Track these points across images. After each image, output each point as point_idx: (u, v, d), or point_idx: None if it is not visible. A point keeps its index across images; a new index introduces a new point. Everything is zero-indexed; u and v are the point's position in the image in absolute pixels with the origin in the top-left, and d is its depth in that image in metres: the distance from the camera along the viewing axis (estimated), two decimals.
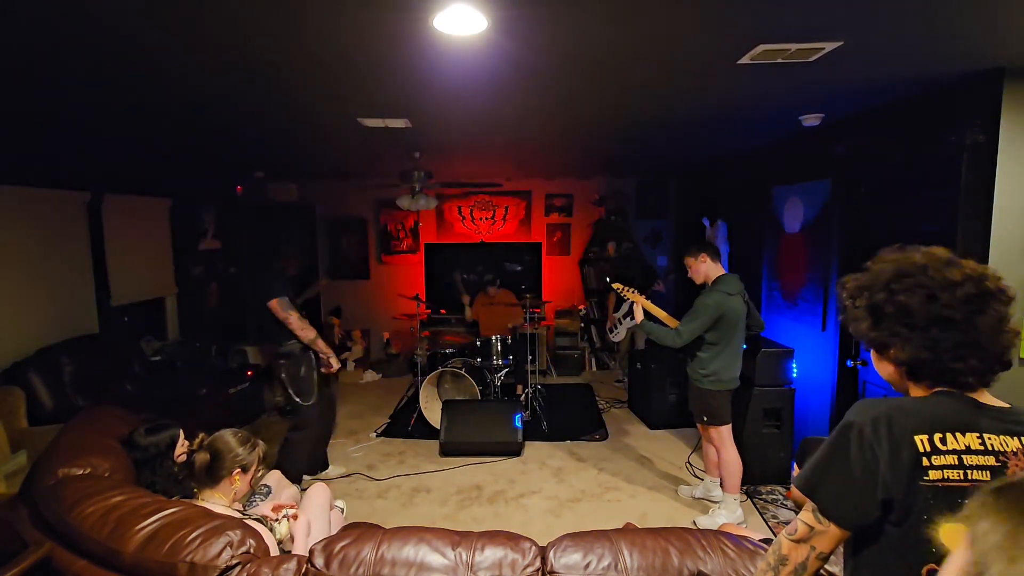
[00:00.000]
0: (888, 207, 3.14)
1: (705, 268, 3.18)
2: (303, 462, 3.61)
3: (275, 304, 3.29)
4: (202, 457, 1.95)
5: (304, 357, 3.47)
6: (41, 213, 3.98)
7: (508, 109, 3.00)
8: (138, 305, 5.06)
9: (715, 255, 3.18)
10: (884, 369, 1.09)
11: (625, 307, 5.64)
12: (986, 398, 1.00)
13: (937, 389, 1.02)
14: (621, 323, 5.70)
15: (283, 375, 3.44)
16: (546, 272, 6.91)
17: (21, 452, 3.12)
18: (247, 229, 6.62)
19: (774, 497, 3.52)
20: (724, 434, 3.23)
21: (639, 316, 3.26)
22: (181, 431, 2.37)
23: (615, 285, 3.37)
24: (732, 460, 3.22)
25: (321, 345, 3.47)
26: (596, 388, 6.01)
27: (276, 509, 2.14)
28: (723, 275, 3.16)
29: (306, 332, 3.38)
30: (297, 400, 3.44)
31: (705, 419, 3.25)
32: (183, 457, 2.29)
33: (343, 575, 1.49)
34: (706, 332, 3.10)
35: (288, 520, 2.10)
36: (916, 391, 1.05)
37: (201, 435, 2.03)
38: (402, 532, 1.61)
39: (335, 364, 3.57)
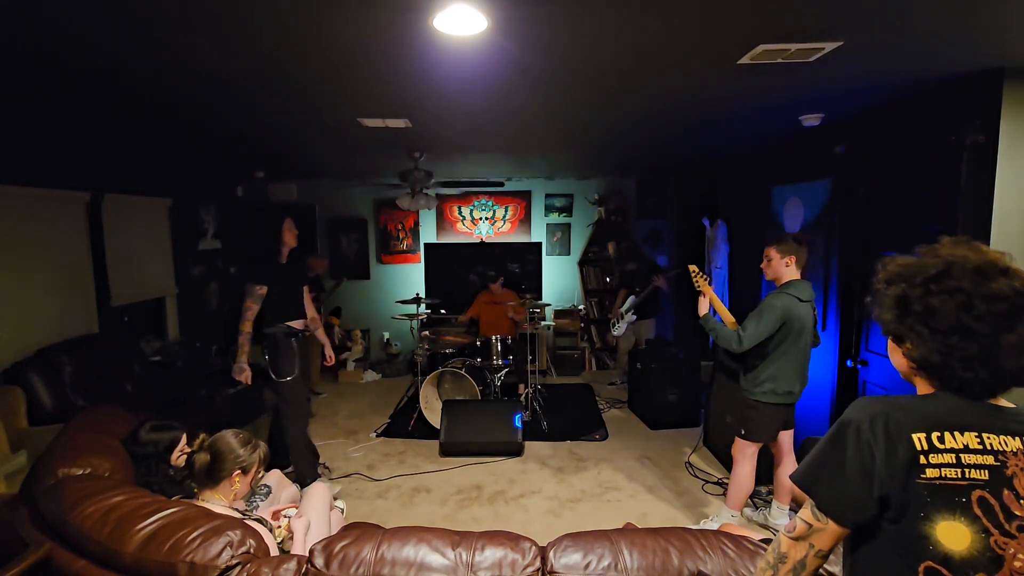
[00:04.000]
0: (888, 207, 3.14)
1: (784, 271, 2.93)
2: (304, 441, 3.57)
3: (247, 288, 3.31)
4: (202, 458, 1.95)
5: (285, 342, 3.45)
6: (41, 213, 3.98)
7: (508, 109, 3.00)
8: (138, 305, 5.06)
9: (801, 261, 2.93)
10: (896, 359, 1.08)
11: (629, 303, 5.64)
12: (992, 399, 0.99)
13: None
14: (623, 318, 5.70)
15: (265, 355, 3.44)
16: (546, 272, 6.91)
17: (21, 452, 3.12)
18: (247, 229, 6.62)
19: (773, 498, 3.51)
20: (749, 452, 3.02)
21: (703, 309, 3.03)
22: (185, 436, 2.37)
23: (692, 268, 3.14)
24: (745, 477, 3.04)
25: (242, 341, 3.38)
26: (596, 388, 6.01)
27: (276, 516, 2.14)
28: (796, 280, 2.92)
29: (243, 323, 3.34)
30: (273, 376, 3.41)
31: (742, 432, 3.02)
32: (181, 460, 2.29)
33: (343, 575, 1.49)
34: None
35: (289, 519, 2.10)
36: (922, 386, 1.05)
37: (202, 436, 2.04)
38: (402, 532, 1.61)
39: (236, 372, 3.45)
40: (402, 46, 1.98)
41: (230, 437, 2.02)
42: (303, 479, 3.41)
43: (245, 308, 3.33)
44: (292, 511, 2.16)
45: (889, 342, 1.09)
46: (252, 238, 6.62)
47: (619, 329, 5.77)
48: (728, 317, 3.04)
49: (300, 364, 3.49)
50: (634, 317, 5.64)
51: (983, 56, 2.22)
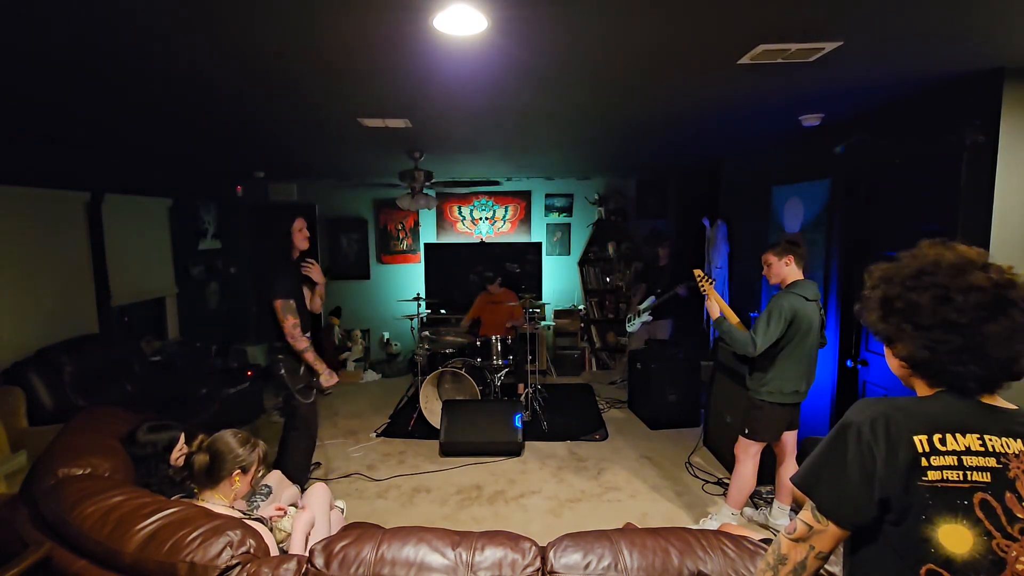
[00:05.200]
0: (888, 207, 3.14)
1: (786, 272, 2.92)
2: (305, 460, 3.58)
3: (278, 305, 3.18)
4: (201, 459, 1.95)
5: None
6: (41, 213, 3.98)
7: (508, 109, 3.00)
8: (138, 305, 5.06)
9: (800, 260, 2.93)
10: (892, 363, 1.09)
11: (648, 303, 5.61)
12: (992, 400, 0.99)
13: (940, 389, 1.01)
14: (640, 315, 5.66)
15: (283, 371, 3.33)
16: (546, 272, 6.91)
17: (21, 452, 3.12)
18: (247, 229, 6.62)
19: (773, 498, 3.51)
20: (752, 451, 3.02)
21: (715, 313, 3.03)
22: (183, 435, 2.37)
23: (696, 272, 3.15)
24: (747, 476, 3.03)
25: (310, 357, 3.29)
26: (596, 388, 6.01)
27: (279, 509, 2.14)
28: (800, 280, 2.92)
29: (297, 342, 3.24)
30: (298, 398, 3.36)
31: (746, 431, 3.01)
32: (180, 460, 2.29)
33: (343, 575, 1.49)
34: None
35: (292, 515, 2.10)
36: (921, 389, 1.05)
37: (201, 436, 2.03)
38: (402, 532, 1.61)
39: (326, 380, 3.34)
40: (402, 46, 1.98)
41: (229, 437, 2.02)
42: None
43: (291, 326, 3.18)
44: (293, 510, 2.17)
45: (885, 348, 1.10)
46: (252, 238, 6.62)
47: (634, 326, 5.70)
48: (733, 318, 3.04)
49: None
50: (650, 318, 5.61)
51: (983, 56, 2.22)
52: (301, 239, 3.32)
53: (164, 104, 2.81)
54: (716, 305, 3.03)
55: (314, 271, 3.43)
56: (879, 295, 1.05)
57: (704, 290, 3.08)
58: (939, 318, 0.96)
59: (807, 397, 2.99)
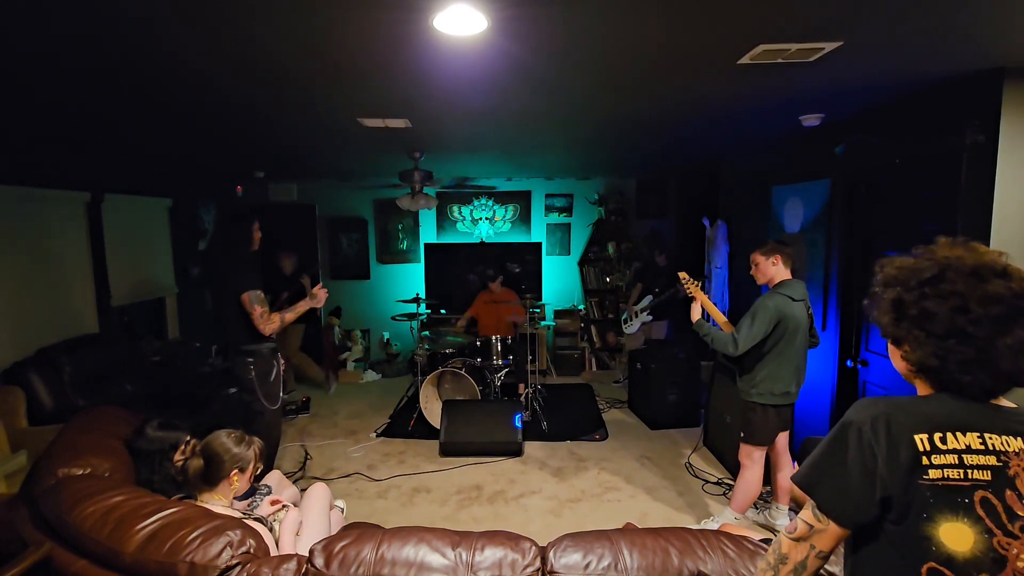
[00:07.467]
0: (888, 207, 3.14)
1: (773, 271, 2.92)
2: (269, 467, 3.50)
3: (245, 298, 3.09)
4: (195, 464, 1.95)
5: (272, 359, 3.29)
6: (41, 213, 3.98)
7: (508, 109, 3.00)
8: (138, 305, 5.06)
9: (788, 260, 2.93)
10: (896, 361, 1.08)
11: (646, 303, 5.60)
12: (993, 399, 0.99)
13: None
14: (638, 316, 5.65)
15: (252, 375, 3.20)
16: (546, 272, 6.91)
17: (21, 452, 3.11)
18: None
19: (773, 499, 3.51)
20: (756, 456, 2.99)
21: (696, 314, 3.03)
22: (187, 438, 2.37)
23: (681, 275, 3.15)
24: (753, 481, 3.01)
25: (291, 316, 3.22)
26: (596, 388, 6.01)
27: (274, 503, 2.14)
28: (788, 280, 2.91)
29: (271, 323, 3.15)
30: (264, 403, 3.23)
31: (742, 435, 3.01)
32: (180, 463, 2.29)
33: (343, 575, 1.49)
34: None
35: (286, 510, 2.11)
36: (923, 388, 1.05)
37: (193, 442, 2.03)
38: (402, 532, 1.61)
39: (317, 298, 3.26)
40: (402, 46, 1.98)
41: (223, 438, 2.02)
42: None
43: (260, 314, 3.10)
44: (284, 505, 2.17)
45: (889, 345, 1.09)
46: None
47: (632, 327, 5.68)
48: (721, 318, 3.03)
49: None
50: (649, 318, 5.59)
51: (983, 56, 2.22)
52: (257, 239, 3.33)
53: (164, 104, 2.81)
54: (699, 307, 3.04)
55: (320, 295, 3.35)
56: (892, 297, 1.02)
57: (690, 292, 3.09)
58: (954, 329, 0.94)
59: (802, 398, 2.99)
